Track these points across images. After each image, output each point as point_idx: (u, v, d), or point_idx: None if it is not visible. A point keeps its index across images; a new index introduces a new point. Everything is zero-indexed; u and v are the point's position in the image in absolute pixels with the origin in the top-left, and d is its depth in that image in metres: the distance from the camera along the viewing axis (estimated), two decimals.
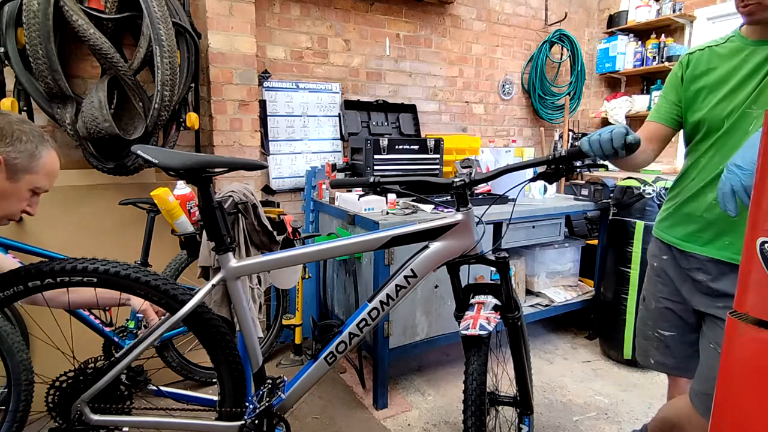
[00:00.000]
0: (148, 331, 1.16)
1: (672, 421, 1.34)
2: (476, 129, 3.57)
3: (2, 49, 1.77)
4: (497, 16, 3.52)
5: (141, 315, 1.35)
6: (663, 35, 3.53)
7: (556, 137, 3.73)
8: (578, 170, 3.33)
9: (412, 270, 1.22)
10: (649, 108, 3.67)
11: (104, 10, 1.90)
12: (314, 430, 1.93)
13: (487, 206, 1.38)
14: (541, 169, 1.16)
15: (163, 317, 1.17)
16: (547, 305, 2.63)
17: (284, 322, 2.45)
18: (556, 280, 2.78)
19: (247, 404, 1.24)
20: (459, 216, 1.20)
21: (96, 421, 1.13)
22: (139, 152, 1.07)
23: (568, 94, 3.70)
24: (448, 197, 2.49)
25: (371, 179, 1.29)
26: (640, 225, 2.37)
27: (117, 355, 1.14)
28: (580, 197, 2.77)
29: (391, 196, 2.20)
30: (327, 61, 2.84)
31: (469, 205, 1.22)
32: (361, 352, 2.35)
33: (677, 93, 1.33)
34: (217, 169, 1.12)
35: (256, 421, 1.24)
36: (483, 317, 1.19)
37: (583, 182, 2.84)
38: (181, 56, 2.06)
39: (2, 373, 1.47)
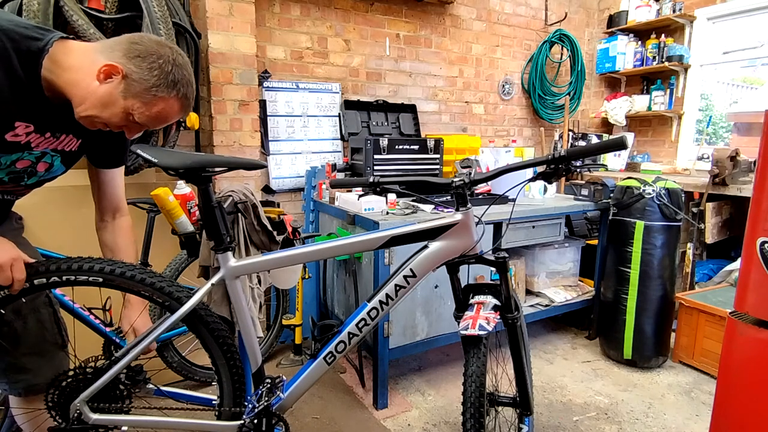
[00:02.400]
0: (148, 331, 1.16)
1: None
2: (476, 129, 3.58)
3: None
4: (497, 16, 3.52)
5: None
6: (663, 35, 3.53)
7: (556, 137, 3.73)
8: (578, 170, 3.34)
9: (411, 270, 1.21)
10: (649, 108, 3.68)
11: (104, 10, 1.90)
12: (314, 430, 1.93)
13: (487, 206, 1.37)
14: (540, 168, 1.16)
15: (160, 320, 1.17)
16: (547, 305, 2.63)
17: (284, 322, 2.45)
18: (556, 280, 2.78)
19: (246, 404, 1.24)
20: (458, 216, 1.20)
21: (95, 420, 1.13)
22: (139, 152, 1.07)
23: (568, 94, 3.70)
24: (448, 197, 2.49)
25: (371, 179, 1.29)
26: (640, 225, 2.37)
27: (117, 355, 1.14)
28: (580, 197, 2.77)
29: (391, 196, 2.20)
30: (327, 61, 2.84)
31: (469, 205, 1.22)
32: (361, 352, 2.35)
33: None
34: (216, 169, 1.12)
35: (256, 421, 1.24)
36: (482, 317, 1.19)
37: (583, 182, 2.84)
38: None
39: None
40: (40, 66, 0.91)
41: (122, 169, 1.25)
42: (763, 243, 1.31)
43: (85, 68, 0.94)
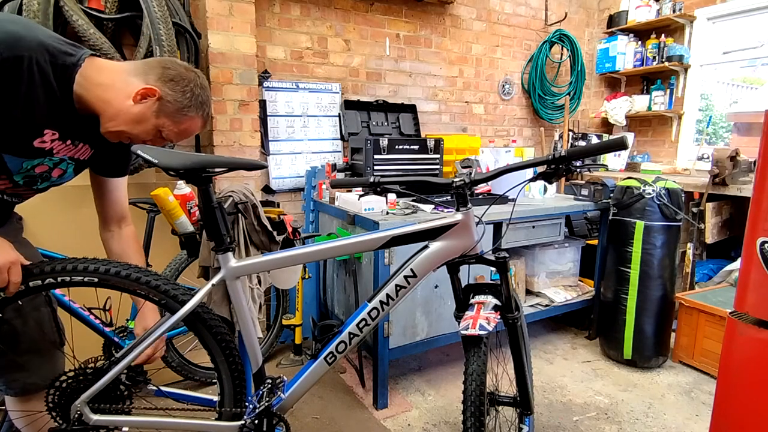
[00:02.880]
0: (149, 332, 1.16)
1: None
2: (476, 129, 3.58)
3: None
4: (497, 16, 3.52)
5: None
6: (663, 35, 3.53)
7: (556, 137, 3.73)
8: (578, 170, 3.34)
9: (411, 270, 1.21)
10: (649, 108, 3.68)
11: (104, 10, 1.91)
12: (314, 430, 1.93)
13: (487, 206, 1.37)
14: (541, 169, 1.16)
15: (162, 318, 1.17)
16: (547, 305, 2.63)
17: (284, 322, 2.45)
18: (556, 280, 2.78)
19: (246, 404, 1.24)
20: (459, 216, 1.20)
21: (96, 421, 1.13)
22: (139, 152, 1.07)
23: (568, 94, 3.70)
24: (448, 197, 2.49)
25: (371, 179, 1.29)
26: (640, 225, 2.37)
27: (117, 355, 1.14)
28: (580, 197, 2.77)
29: (391, 196, 2.20)
30: (327, 61, 2.84)
31: (469, 205, 1.22)
32: (361, 352, 2.35)
33: None
34: (216, 169, 1.12)
35: (256, 421, 1.24)
36: (483, 317, 1.19)
37: (583, 182, 2.84)
38: (181, 56, 2.06)
39: None
40: (73, 80, 0.97)
41: (126, 178, 1.30)
42: (763, 243, 1.31)
43: (117, 87, 1.01)
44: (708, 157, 3.23)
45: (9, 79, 0.87)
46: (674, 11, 3.42)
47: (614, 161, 3.75)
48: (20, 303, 1.09)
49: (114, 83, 1.01)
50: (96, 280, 1.07)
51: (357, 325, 1.23)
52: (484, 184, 1.40)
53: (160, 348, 1.26)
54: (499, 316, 1.23)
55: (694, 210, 2.86)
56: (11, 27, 0.88)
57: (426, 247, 1.22)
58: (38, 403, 1.14)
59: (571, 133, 3.70)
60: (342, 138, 2.92)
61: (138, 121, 1.03)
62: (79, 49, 1.00)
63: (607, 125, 4.06)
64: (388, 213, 2.13)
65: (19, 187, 1.07)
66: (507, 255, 1.24)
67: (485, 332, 1.16)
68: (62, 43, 0.96)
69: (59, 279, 1.05)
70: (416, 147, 2.70)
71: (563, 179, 3.18)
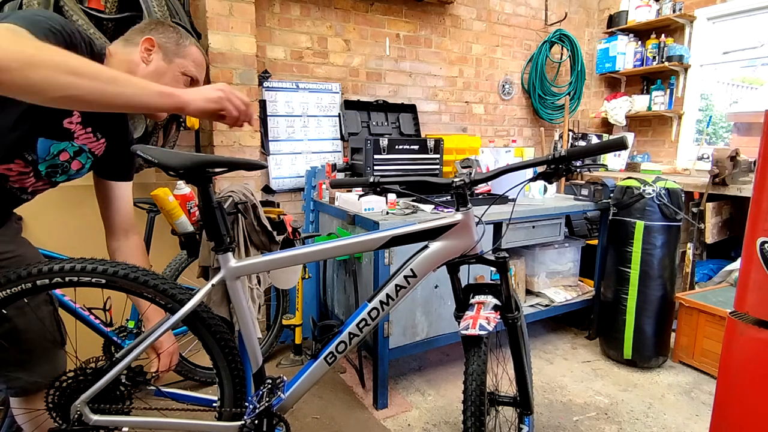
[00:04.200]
0: (149, 332, 1.16)
1: None
2: (476, 129, 3.58)
3: None
4: (497, 16, 3.52)
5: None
6: (663, 35, 3.53)
7: (556, 137, 3.73)
8: (578, 170, 3.34)
9: (411, 270, 1.21)
10: (649, 108, 3.68)
11: (104, 10, 1.90)
12: (314, 430, 1.93)
13: (487, 206, 1.37)
14: (541, 169, 1.16)
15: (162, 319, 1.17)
16: (547, 305, 2.63)
17: (284, 322, 2.45)
18: (556, 280, 2.78)
19: (246, 404, 1.24)
20: (459, 216, 1.20)
21: (95, 421, 1.13)
22: (138, 152, 1.07)
23: (568, 94, 3.70)
24: (448, 197, 2.49)
25: (371, 179, 1.28)
26: (640, 225, 2.37)
27: (117, 356, 1.14)
28: (580, 197, 2.77)
29: (391, 196, 2.20)
30: (327, 61, 2.84)
31: (469, 205, 1.22)
32: (361, 352, 2.35)
33: None
34: (216, 169, 1.12)
35: (256, 422, 1.24)
36: (483, 317, 1.19)
37: (583, 182, 2.84)
38: None
39: None
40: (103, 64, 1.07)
41: (131, 184, 1.34)
42: (763, 243, 1.31)
43: (126, 61, 1.11)
44: (708, 157, 3.23)
45: (72, 46, 0.94)
46: (674, 11, 3.42)
47: (614, 161, 3.75)
48: (26, 300, 1.08)
49: (121, 61, 1.10)
50: (104, 281, 1.07)
51: (357, 325, 1.23)
52: (484, 184, 1.40)
53: (175, 360, 1.33)
54: (499, 316, 1.23)
55: (694, 210, 2.86)
56: (55, 16, 0.96)
57: (426, 247, 1.22)
58: (42, 402, 1.14)
59: (571, 133, 3.70)
60: (342, 138, 2.92)
61: (160, 75, 1.12)
62: (96, 39, 1.11)
63: (607, 125, 4.06)
64: (388, 213, 2.13)
65: (39, 180, 1.11)
66: (507, 255, 1.24)
67: (485, 332, 1.16)
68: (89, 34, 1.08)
69: (67, 279, 1.05)
70: (416, 147, 2.70)
71: (563, 179, 3.18)
